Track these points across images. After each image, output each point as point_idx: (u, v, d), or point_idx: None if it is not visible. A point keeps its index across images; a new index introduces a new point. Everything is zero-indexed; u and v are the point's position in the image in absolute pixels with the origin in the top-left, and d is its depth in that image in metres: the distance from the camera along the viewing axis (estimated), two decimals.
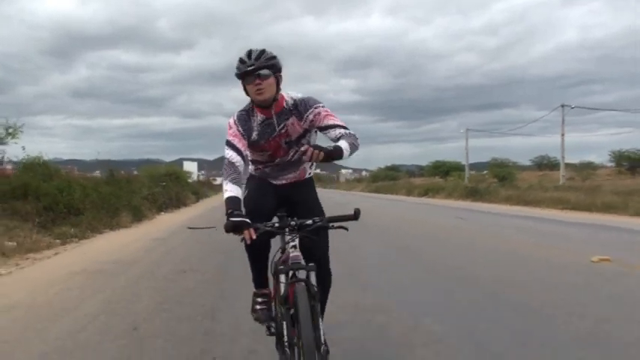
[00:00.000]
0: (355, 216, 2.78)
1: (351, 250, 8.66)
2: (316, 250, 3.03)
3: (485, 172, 72.30)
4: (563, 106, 45.25)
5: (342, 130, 2.98)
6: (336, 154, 2.78)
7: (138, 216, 17.30)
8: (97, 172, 29.50)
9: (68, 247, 10.80)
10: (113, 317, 4.94)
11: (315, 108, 3.07)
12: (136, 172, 34.10)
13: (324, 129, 3.05)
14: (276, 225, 2.86)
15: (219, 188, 48.08)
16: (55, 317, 4.99)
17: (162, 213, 21.72)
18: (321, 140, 3.16)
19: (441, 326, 4.40)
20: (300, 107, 3.08)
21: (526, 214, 19.82)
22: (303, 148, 2.72)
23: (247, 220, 2.68)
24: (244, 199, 3.18)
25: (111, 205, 15.89)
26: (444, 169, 74.64)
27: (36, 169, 16.42)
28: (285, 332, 2.68)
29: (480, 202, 28.85)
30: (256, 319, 3.23)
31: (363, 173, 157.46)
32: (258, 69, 2.88)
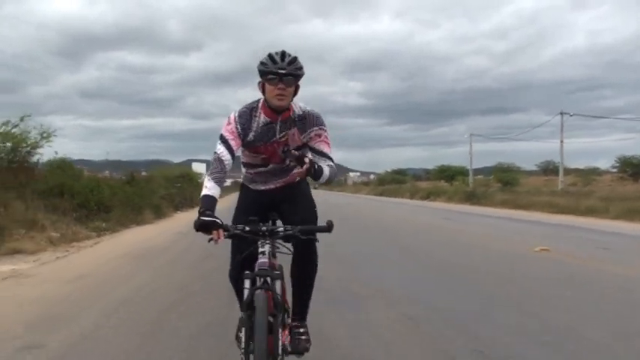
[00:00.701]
0: (328, 228, 2.76)
1: (350, 242, 10.39)
2: (305, 257, 3.13)
3: (490, 177, 73.47)
4: (562, 113, 46.68)
5: (327, 162, 3.07)
6: (317, 174, 2.90)
7: (158, 213, 19.16)
8: (107, 172, 31.05)
9: (104, 239, 12.62)
10: (160, 283, 6.72)
11: (320, 129, 3.09)
12: (144, 173, 35.24)
13: (314, 151, 3.09)
14: (246, 229, 2.80)
15: (228, 190, 49.87)
16: (116, 284, 6.74)
17: (179, 212, 23.56)
18: None
19: (405, 291, 6.13)
20: (307, 121, 3.07)
21: (509, 215, 21.55)
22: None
23: (217, 220, 2.65)
24: (235, 210, 3.28)
25: (135, 203, 17.77)
26: (449, 174, 75.75)
27: (66, 169, 18.31)
28: (243, 339, 2.67)
29: (477, 205, 30.46)
30: (239, 346, 2.99)
31: (371, 176, 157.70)
32: (288, 75, 2.86)
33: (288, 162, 3.15)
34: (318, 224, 2.95)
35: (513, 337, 4.22)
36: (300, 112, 3.06)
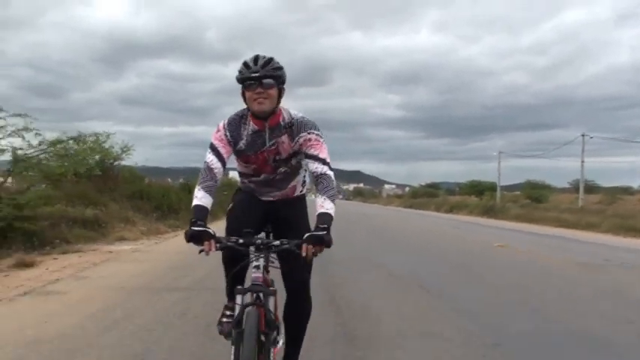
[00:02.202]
0: (326, 244, 2.57)
1: (366, 238, 13.91)
2: (294, 274, 3.01)
3: (518, 192, 75.47)
4: (583, 135, 49.26)
5: (322, 168, 2.87)
6: (327, 237, 2.60)
7: (214, 216, 23.01)
8: (146, 179, 34.24)
9: (178, 233, 16.35)
10: None
11: (308, 133, 2.93)
12: (181, 180, 37.52)
13: (308, 156, 2.93)
14: (240, 241, 2.67)
15: None
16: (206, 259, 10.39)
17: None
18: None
19: (395, 266, 9.61)
20: (295, 128, 2.95)
21: (508, 227, 24.66)
22: (303, 250, 2.58)
23: (209, 231, 2.57)
24: (228, 212, 3.20)
25: None
26: (479, 189, 78.01)
27: (135, 178, 22.27)
28: (232, 357, 2.58)
29: (493, 218, 33.44)
30: (220, 332, 3.09)
31: (406, 189, 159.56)
32: (262, 77, 2.77)
33: (279, 171, 3.08)
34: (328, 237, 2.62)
35: (447, 279, 7.69)
36: (289, 119, 2.96)
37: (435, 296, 6.75)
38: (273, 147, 2.98)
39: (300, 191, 3.29)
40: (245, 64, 2.83)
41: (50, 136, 13.80)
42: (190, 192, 15.71)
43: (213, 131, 2.99)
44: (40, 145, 12.79)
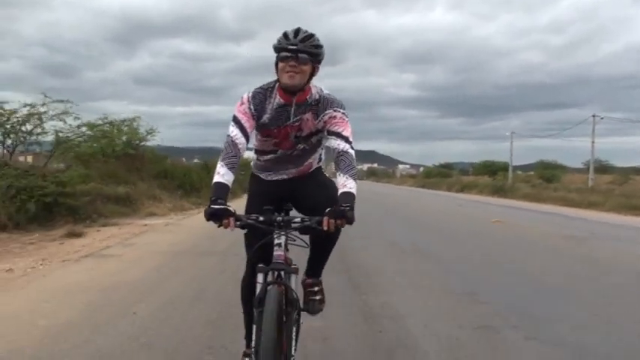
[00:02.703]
0: (349, 220, 2.55)
1: (377, 216, 15.08)
2: (317, 251, 3.12)
3: (531, 172, 75.94)
4: (594, 116, 49.84)
5: (344, 145, 2.83)
6: (349, 213, 2.57)
7: (234, 194, 24.40)
8: (168, 159, 35.48)
9: (202, 210, 17.66)
10: None
11: (335, 111, 2.87)
12: (196, 160, 37.55)
13: (331, 133, 2.87)
14: (260, 219, 2.65)
15: None
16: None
17: (245, 194, 28.86)
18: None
19: (399, 238, 10.79)
20: (321, 105, 2.89)
21: (513, 205, 25.72)
22: (325, 224, 2.56)
23: (230, 208, 2.54)
24: (247, 201, 3.16)
25: None
26: (492, 169, 78.56)
27: (161, 157, 23.58)
28: (254, 337, 2.58)
29: (502, 197, 34.44)
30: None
31: (420, 169, 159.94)
32: (299, 51, 2.71)
33: (297, 147, 3.01)
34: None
35: (442, 247, 8.87)
36: (317, 97, 2.90)
37: (428, 260, 7.93)
38: (296, 123, 2.91)
39: (316, 166, 3.22)
40: (285, 34, 2.76)
41: (87, 119, 15.06)
42: (210, 172, 16.84)
43: (237, 103, 2.89)
44: (78, 128, 14.02)
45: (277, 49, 2.77)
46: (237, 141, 2.77)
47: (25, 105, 13.47)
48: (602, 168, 79.54)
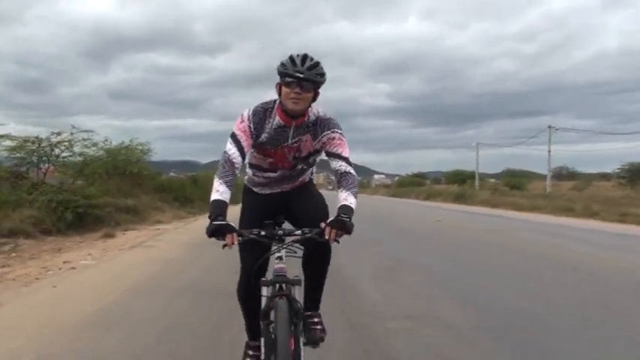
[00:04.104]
0: (348, 230, 2.66)
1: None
2: (317, 260, 3.11)
3: (496, 180, 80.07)
4: (550, 127, 54.17)
5: (346, 167, 2.92)
6: (349, 224, 2.68)
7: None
8: (163, 175, 38.61)
9: (199, 218, 20.79)
10: None
11: (333, 132, 2.95)
12: (172, 174, 38.83)
13: (330, 155, 2.97)
14: (262, 233, 2.72)
15: None
16: None
17: (232, 205, 32.20)
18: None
19: (379, 236, 14.18)
20: (319, 126, 2.96)
21: (465, 210, 29.40)
22: (325, 231, 2.65)
23: (231, 224, 2.59)
24: (241, 215, 3.22)
25: (207, 197, 26.43)
26: (461, 177, 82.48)
27: (157, 173, 26.71)
28: (262, 349, 2.66)
29: (461, 204, 38.14)
30: None
31: (396, 179, 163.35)
32: (305, 80, 2.76)
33: (297, 168, 3.10)
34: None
35: (389, 237, 12.22)
36: (314, 118, 2.95)
37: (379, 246, 11.25)
38: (295, 144, 2.96)
39: (308, 179, 3.32)
40: (292, 59, 2.78)
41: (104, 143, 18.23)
42: (198, 186, 20.25)
43: (237, 120, 2.91)
44: (99, 152, 17.22)
45: (283, 73, 2.78)
46: (234, 160, 2.79)
47: (53, 133, 16.55)
48: (570, 175, 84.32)
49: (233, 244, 2.59)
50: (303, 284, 2.94)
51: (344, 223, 2.65)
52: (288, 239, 2.76)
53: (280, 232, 2.77)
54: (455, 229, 15.18)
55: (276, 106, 2.93)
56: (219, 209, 2.65)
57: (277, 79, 2.84)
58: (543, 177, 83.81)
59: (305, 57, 2.79)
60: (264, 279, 2.76)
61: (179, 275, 7.36)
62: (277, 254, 2.77)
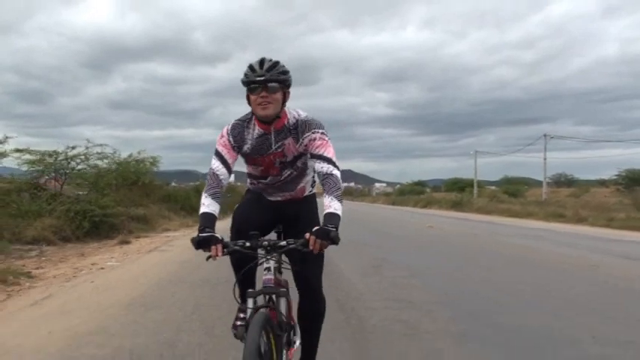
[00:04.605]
0: (333, 241, 2.59)
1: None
2: (305, 274, 3.03)
3: (495, 188, 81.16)
4: (545, 135, 55.43)
5: (328, 168, 2.88)
6: (334, 234, 2.61)
7: (224, 214, 28.85)
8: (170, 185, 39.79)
9: None
10: None
11: (313, 133, 2.94)
12: (174, 184, 40.50)
13: (313, 156, 2.94)
14: (247, 244, 2.69)
15: None
16: None
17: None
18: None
19: (371, 238, 15.36)
20: (300, 128, 2.96)
21: (459, 217, 30.55)
22: (310, 241, 2.59)
23: (216, 235, 2.61)
24: (235, 209, 3.26)
25: None
26: (460, 185, 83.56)
27: (164, 183, 27.92)
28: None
29: (457, 211, 39.32)
30: (235, 336, 3.08)
31: (397, 187, 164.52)
32: (267, 81, 2.77)
33: (286, 174, 3.10)
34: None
35: (382, 241, 13.40)
36: (294, 120, 2.96)
37: (373, 248, 12.43)
38: (279, 150, 2.98)
39: (310, 191, 3.29)
40: (250, 67, 2.82)
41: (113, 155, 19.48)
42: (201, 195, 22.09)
43: (218, 137, 2.98)
44: (112, 164, 18.45)
45: (246, 82, 2.82)
46: (218, 172, 2.87)
47: (68, 147, 17.78)
48: (568, 182, 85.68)
49: (217, 255, 2.60)
50: (289, 296, 2.92)
51: (328, 233, 2.60)
52: (274, 250, 2.75)
53: (265, 243, 2.74)
54: (443, 234, 16.38)
55: (253, 116, 2.98)
56: (206, 222, 2.72)
57: None
58: (542, 184, 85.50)
59: (262, 60, 2.84)
60: (250, 290, 2.78)
61: (194, 272, 8.51)
62: (265, 265, 2.75)
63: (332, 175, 2.85)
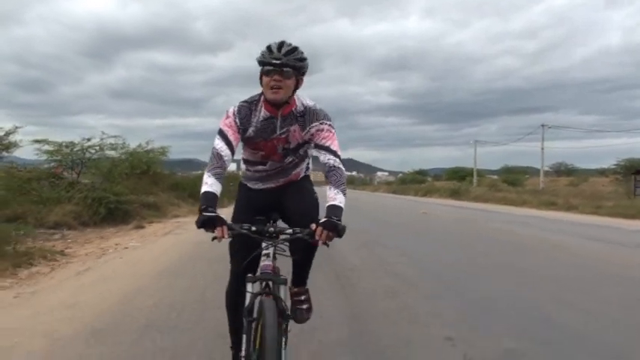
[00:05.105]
0: (339, 233, 2.60)
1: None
2: (304, 262, 3.13)
3: (495, 177, 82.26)
4: (543, 125, 56.38)
5: (334, 160, 2.89)
6: (341, 226, 2.64)
7: (220, 202, 30.12)
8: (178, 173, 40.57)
9: None
10: None
11: (321, 124, 2.93)
12: (179, 173, 41.33)
13: (319, 148, 2.94)
14: (253, 229, 2.66)
15: None
16: None
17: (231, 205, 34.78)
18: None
19: (368, 225, 16.50)
20: (307, 117, 2.94)
21: (455, 204, 31.67)
22: (315, 230, 2.60)
23: (221, 217, 2.56)
24: (234, 210, 3.20)
25: None
26: (461, 174, 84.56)
27: (171, 172, 29.06)
28: (243, 346, 2.59)
29: (455, 199, 40.45)
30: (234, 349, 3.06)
31: (399, 176, 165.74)
32: (283, 65, 2.74)
33: (287, 160, 3.08)
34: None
35: (377, 227, 14.52)
36: (302, 108, 2.94)
37: (367, 234, 13.49)
38: (283, 135, 2.95)
39: (304, 174, 3.27)
40: (269, 48, 2.78)
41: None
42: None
43: (223, 117, 2.92)
44: (123, 154, 19.60)
45: (261, 62, 2.79)
46: (222, 153, 2.80)
47: (83, 139, 18.91)
48: (568, 171, 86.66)
49: (223, 237, 2.55)
50: (289, 284, 2.90)
51: (335, 226, 2.62)
52: (280, 237, 2.72)
53: (271, 229, 2.72)
54: (436, 220, 17.51)
55: (261, 98, 2.94)
56: (208, 201, 2.65)
57: None
58: (544, 172, 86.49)
59: (282, 43, 2.79)
60: (250, 275, 2.73)
61: (210, 251, 9.50)
62: (265, 251, 2.78)
63: (338, 168, 2.89)
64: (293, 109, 2.93)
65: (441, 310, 5.21)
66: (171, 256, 8.91)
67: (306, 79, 2.93)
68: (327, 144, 2.92)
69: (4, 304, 5.44)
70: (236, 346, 3.02)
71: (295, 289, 3.22)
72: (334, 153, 2.91)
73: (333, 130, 2.96)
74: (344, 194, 2.83)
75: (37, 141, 18.42)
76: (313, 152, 3.12)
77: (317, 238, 2.60)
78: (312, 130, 2.94)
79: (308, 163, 3.27)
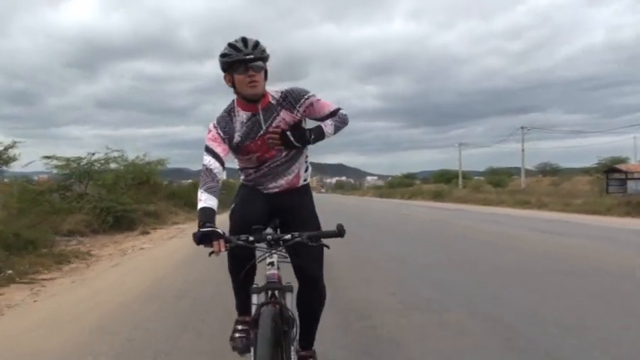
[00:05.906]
0: (339, 233, 2.59)
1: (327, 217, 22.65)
2: (306, 267, 3.00)
3: (481, 179, 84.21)
4: (522, 128, 58.61)
5: (338, 113, 3.03)
6: (315, 135, 2.89)
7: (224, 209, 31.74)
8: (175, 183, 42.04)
9: None
10: None
11: (306, 99, 2.94)
12: (166, 183, 42.57)
13: (320, 120, 3.03)
14: (250, 239, 2.60)
15: None
16: None
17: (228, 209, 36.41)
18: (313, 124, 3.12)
19: (351, 226, 18.26)
20: (290, 98, 2.93)
21: (435, 206, 33.54)
22: (315, 233, 2.65)
23: (218, 230, 2.52)
24: (232, 209, 3.14)
25: None
26: (447, 177, 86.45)
27: (168, 182, 30.70)
28: (252, 358, 2.51)
29: (437, 201, 42.38)
30: (233, 348, 3.06)
31: (389, 180, 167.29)
32: (255, 59, 2.74)
33: (283, 153, 3.02)
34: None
35: (360, 227, 16.27)
36: (279, 94, 2.94)
37: (352, 235, 15.26)
38: (271, 128, 2.92)
39: (304, 180, 3.21)
40: (233, 46, 2.73)
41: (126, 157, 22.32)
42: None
43: (205, 134, 2.90)
44: (125, 167, 21.31)
45: (230, 63, 2.76)
46: (211, 167, 2.78)
47: (89, 153, 20.59)
48: (553, 170, 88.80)
49: (220, 250, 2.52)
50: (295, 291, 2.81)
51: (302, 135, 2.94)
52: (278, 244, 2.67)
53: (269, 237, 2.66)
54: (415, 220, 19.33)
55: (234, 103, 2.94)
56: (206, 216, 2.64)
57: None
58: (528, 173, 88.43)
59: (245, 39, 2.77)
60: (254, 286, 2.72)
61: None
62: (269, 260, 2.76)
63: (342, 114, 3.08)
64: (269, 99, 2.94)
65: (401, 284, 6.98)
66: (183, 254, 10.61)
67: (293, 84, 3.04)
68: (325, 112, 3.03)
69: (68, 287, 7.17)
70: (240, 309, 3.17)
71: (303, 353, 3.10)
72: (334, 112, 3.05)
73: (318, 97, 3.00)
74: (334, 128, 3.04)
75: (46, 157, 20.06)
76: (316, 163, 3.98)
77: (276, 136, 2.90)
78: (302, 108, 2.96)
79: (307, 166, 3.23)
